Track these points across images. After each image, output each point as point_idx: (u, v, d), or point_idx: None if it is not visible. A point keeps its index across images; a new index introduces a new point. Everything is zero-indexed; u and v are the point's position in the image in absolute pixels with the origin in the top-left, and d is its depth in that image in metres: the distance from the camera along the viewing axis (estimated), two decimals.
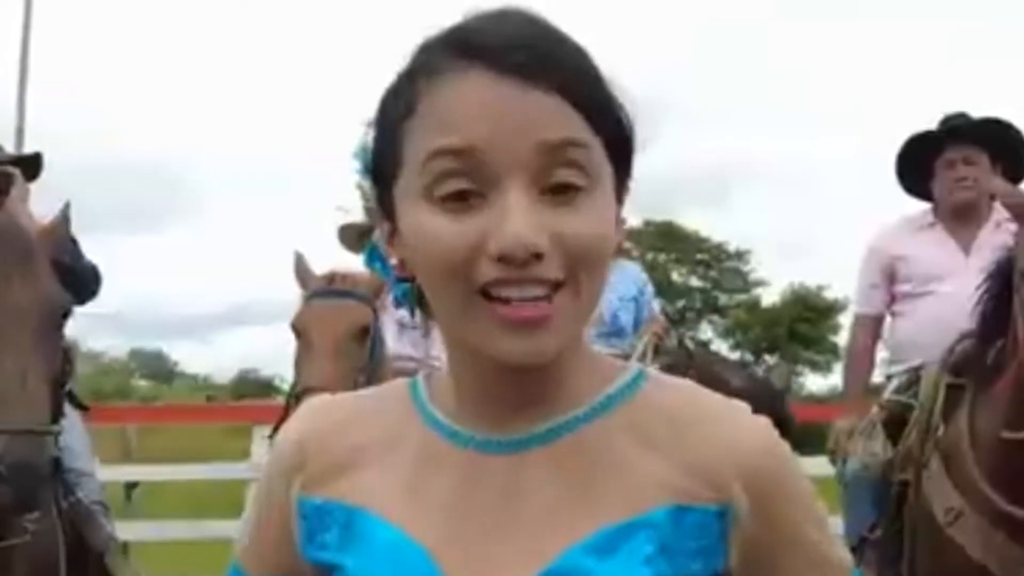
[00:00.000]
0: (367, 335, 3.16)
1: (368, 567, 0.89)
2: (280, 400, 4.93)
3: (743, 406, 0.93)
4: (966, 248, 3.43)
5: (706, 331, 39.05)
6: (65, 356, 2.70)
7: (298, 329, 3.17)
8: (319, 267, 3.64)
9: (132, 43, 62.67)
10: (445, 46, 0.84)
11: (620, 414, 0.91)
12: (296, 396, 3.05)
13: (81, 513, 3.00)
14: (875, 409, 3.36)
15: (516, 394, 0.90)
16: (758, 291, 39.19)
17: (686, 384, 0.95)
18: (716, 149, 60.84)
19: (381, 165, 0.89)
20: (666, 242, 37.00)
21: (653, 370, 0.98)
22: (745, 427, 0.91)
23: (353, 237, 4.12)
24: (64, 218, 2.86)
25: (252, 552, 1.04)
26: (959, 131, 3.50)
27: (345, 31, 63.99)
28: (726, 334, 38.36)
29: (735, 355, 37.66)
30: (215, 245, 65.44)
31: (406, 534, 0.89)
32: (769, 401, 2.78)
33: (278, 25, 65.21)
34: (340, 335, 3.07)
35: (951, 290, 3.20)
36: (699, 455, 0.88)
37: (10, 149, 3.39)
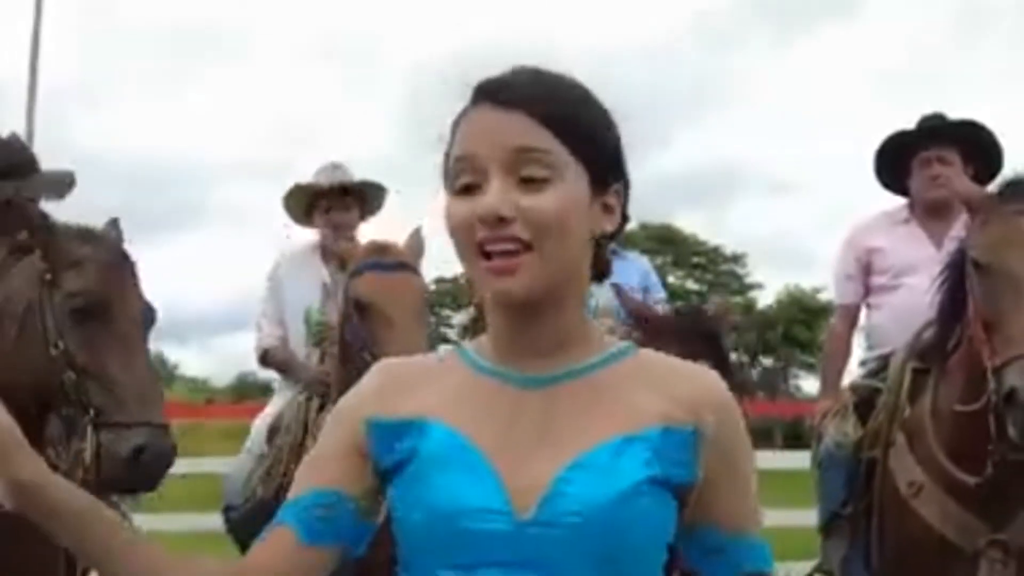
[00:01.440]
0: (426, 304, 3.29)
1: (437, 457, 1.18)
2: None
3: (713, 371, 1.26)
4: (938, 243, 3.60)
5: None
6: None
7: (367, 302, 3.18)
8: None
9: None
10: (473, 93, 1.22)
11: (624, 365, 1.24)
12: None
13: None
14: (847, 393, 3.55)
15: (532, 341, 1.22)
16: (753, 294, 39.49)
17: (670, 356, 1.29)
18: (713, 153, 61.18)
19: (443, 170, 1.25)
20: (663, 245, 37.26)
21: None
22: (715, 379, 1.25)
23: (302, 202, 4.13)
24: (117, 230, 3.06)
25: (311, 470, 1.27)
26: (934, 131, 3.68)
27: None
28: None
29: (731, 357, 38.05)
30: (215, 248, 65.72)
31: (466, 439, 1.18)
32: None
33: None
34: (415, 306, 3.16)
35: (922, 282, 3.32)
36: (683, 392, 1.21)
37: None
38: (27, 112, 8.90)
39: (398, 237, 3.41)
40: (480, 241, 1.15)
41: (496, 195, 1.14)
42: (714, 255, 39.90)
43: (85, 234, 2.77)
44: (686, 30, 65.73)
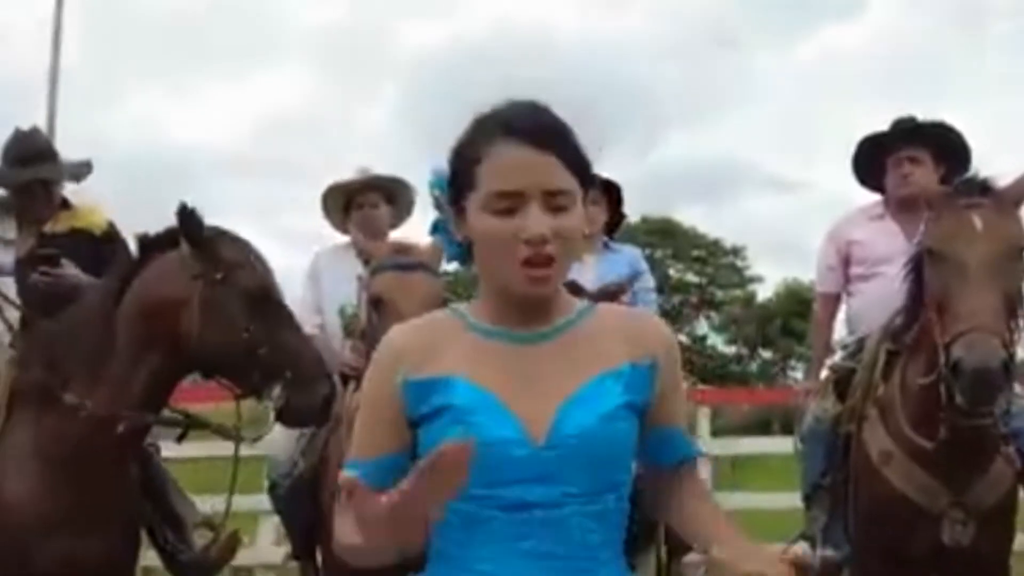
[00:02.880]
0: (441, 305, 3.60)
1: (466, 406, 1.54)
2: None
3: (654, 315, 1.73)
4: (910, 236, 3.87)
5: (702, 326, 39.56)
6: None
7: (383, 298, 3.41)
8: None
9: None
10: (496, 125, 1.57)
11: (591, 320, 1.66)
12: None
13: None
14: (827, 373, 3.88)
15: (529, 311, 1.61)
16: (753, 287, 39.65)
17: (620, 307, 1.70)
18: (714, 148, 61.40)
19: (458, 185, 1.61)
20: (663, 238, 37.40)
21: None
22: (659, 322, 1.76)
23: (339, 201, 4.44)
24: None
25: (367, 443, 1.63)
26: (907, 133, 3.99)
27: None
28: (721, 329, 38.81)
29: (730, 349, 38.25)
30: None
31: (482, 387, 1.56)
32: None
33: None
34: (428, 304, 3.25)
35: (895, 272, 3.60)
36: (638, 335, 1.66)
37: None
38: (48, 103, 9.22)
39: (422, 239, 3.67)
40: (527, 258, 1.52)
41: (538, 222, 1.52)
42: (714, 248, 40.06)
43: (232, 238, 3.37)
44: (692, 27, 65.93)
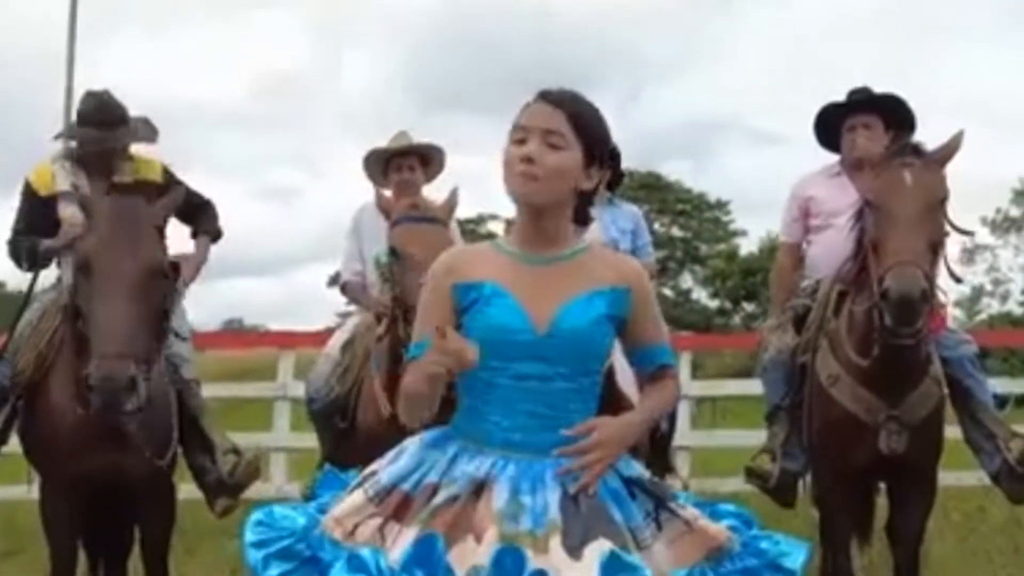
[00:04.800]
0: None
1: (492, 300, 2.20)
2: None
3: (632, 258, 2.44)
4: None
5: (687, 280, 40.10)
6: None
7: (399, 248, 3.92)
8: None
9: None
10: (537, 94, 2.24)
11: (587, 255, 2.29)
12: (405, 307, 3.73)
13: (182, 385, 4.11)
14: (788, 311, 4.45)
15: (540, 234, 2.23)
16: (737, 240, 40.10)
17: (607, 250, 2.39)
18: (700, 104, 61.60)
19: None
20: (649, 193, 37.75)
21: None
22: (634, 262, 2.41)
23: (379, 163, 4.98)
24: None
25: (427, 324, 2.22)
26: (860, 103, 4.53)
27: None
28: (706, 282, 39.30)
29: (714, 303, 38.84)
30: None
31: (505, 289, 2.21)
32: None
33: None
34: (439, 253, 3.79)
35: (846, 223, 4.11)
36: (621, 269, 2.31)
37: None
38: (67, 61, 9.52)
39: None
40: (520, 171, 2.14)
41: (533, 146, 2.14)
42: (699, 202, 40.46)
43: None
44: None
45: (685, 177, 41.93)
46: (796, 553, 2.18)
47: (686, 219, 40.23)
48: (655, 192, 38.64)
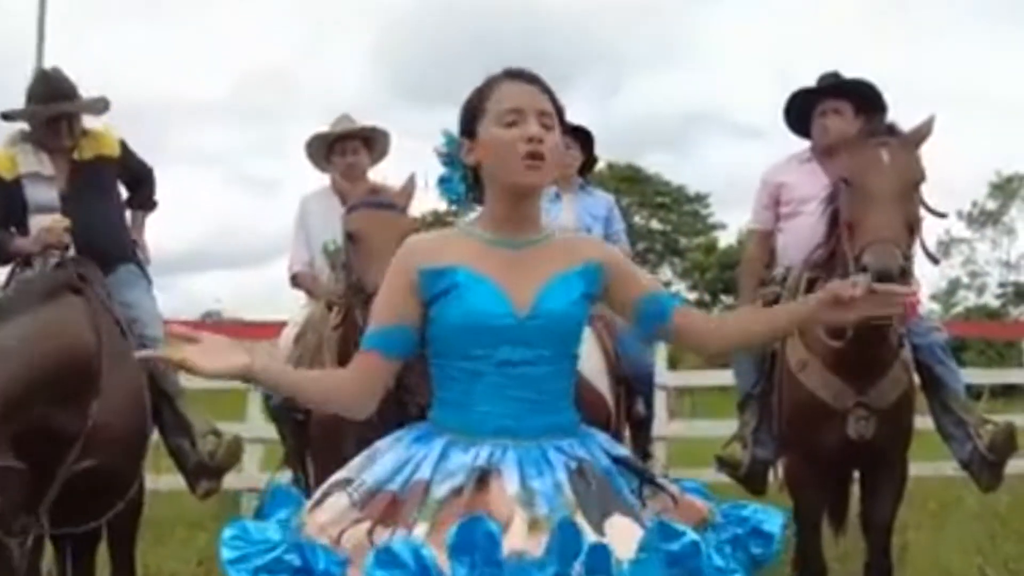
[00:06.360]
0: None
1: (467, 285, 2.12)
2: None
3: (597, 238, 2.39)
4: (832, 179, 4.43)
5: (666, 272, 40.15)
6: None
7: (357, 234, 3.77)
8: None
9: None
10: (500, 73, 2.21)
11: (559, 240, 2.26)
12: (363, 294, 3.55)
13: (156, 366, 4.05)
14: (758, 299, 4.42)
15: (519, 219, 2.18)
16: (716, 234, 40.20)
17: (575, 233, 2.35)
18: (681, 97, 61.68)
19: (470, 117, 2.19)
20: (629, 185, 37.77)
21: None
22: (601, 241, 2.40)
23: (322, 147, 4.90)
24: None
25: (381, 314, 2.19)
26: (831, 88, 4.49)
27: None
28: (685, 275, 39.39)
29: (693, 295, 38.92)
30: (174, 188, 65.30)
31: (483, 275, 2.13)
32: None
33: None
34: (396, 240, 3.47)
35: (817, 210, 4.07)
36: (591, 247, 2.30)
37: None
38: (37, 44, 9.42)
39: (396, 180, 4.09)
40: (527, 152, 2.09)
41: (535, 127, 2.11)
42: (678, 195, 40.51)
43: None
44: None
45: (665, 170, 42.10)
46: (774, 518, 2.21)
47: (666, 212, 40.31)
48: (635, 185, 38.66)
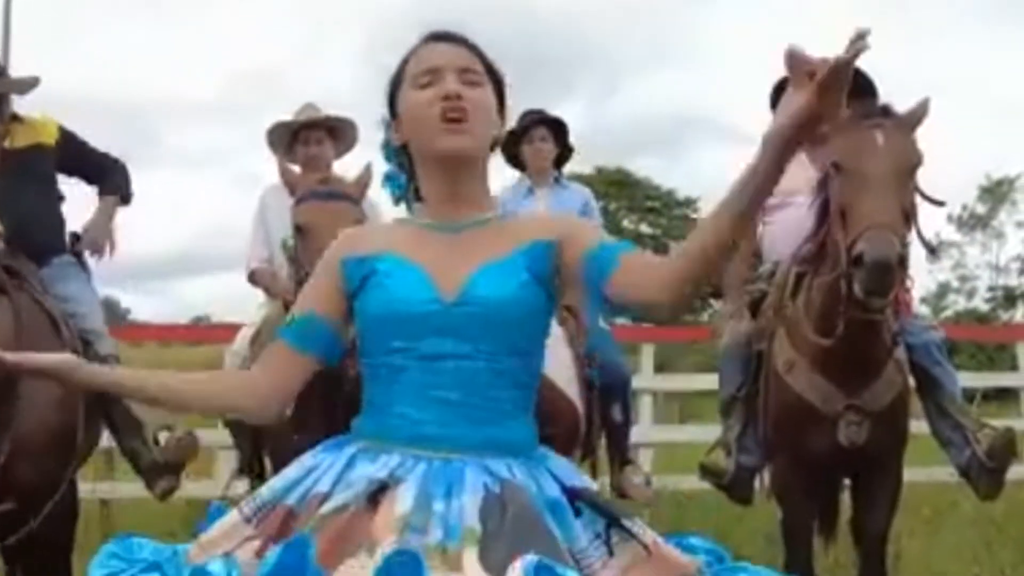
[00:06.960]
0: None
1: (389, 271, 1.86)
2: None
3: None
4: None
5: None
6: None
7: (305, 226, 3.57)
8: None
9: None
10: (419, 37, 1.94)
11: (509, 220, 1.96)
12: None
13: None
14: (744, 296, 4.19)
15: (457, 195, 1.89)
16: None
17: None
18: (670, 101, 61.63)
19: (392, 92, 1.95)
20: (618, 189, 37.67)
21: None
22: (550, 216, 2.09)
23: (285, 137, 4.67)
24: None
25: (301, 302, 1.96)
26: None
27: None
28: None
29: None
30: (167, 190, 65.30)
31: (408, 260, 1.86)
32: None
33: None
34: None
35: (805, 201, 3.86)
36: (545, 224, 1.96)
37: None
38: (2, 41, 9.21)
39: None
40: (443, 112, 1.81)
41: (452, 83, 1.84)
42: (668, 199, 40.39)
43: None
44: None
45: (655, 174, 41.79)
46: None
47: (655, 216, 40.18)
48: (624, 189, 38.56)
